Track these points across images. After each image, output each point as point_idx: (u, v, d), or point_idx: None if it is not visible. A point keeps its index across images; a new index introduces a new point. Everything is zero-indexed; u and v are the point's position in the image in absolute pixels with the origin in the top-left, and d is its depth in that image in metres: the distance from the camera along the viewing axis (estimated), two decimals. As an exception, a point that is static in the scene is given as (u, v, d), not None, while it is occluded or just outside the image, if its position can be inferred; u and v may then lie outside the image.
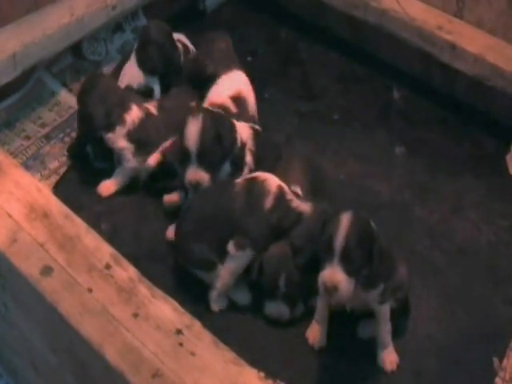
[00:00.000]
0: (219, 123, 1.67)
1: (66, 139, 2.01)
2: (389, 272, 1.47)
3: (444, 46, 2.14)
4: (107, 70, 2.20)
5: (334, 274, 1.34)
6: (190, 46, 2.20)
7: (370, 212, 1.87)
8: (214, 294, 1.63)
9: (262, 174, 1.67)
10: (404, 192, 1.99)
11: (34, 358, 1.54)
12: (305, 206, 1.62)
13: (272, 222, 1.59)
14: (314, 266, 1.54)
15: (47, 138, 2.02)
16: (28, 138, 1.99)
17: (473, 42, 2.12)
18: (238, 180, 1.66)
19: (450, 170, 2.07)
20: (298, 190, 1.70)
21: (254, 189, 1.62)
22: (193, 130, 1.63)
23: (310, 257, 1.56)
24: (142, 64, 2.02)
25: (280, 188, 1.62)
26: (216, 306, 1.64)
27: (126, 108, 1.82)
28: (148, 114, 1.85)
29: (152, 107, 1.88)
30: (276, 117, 2.16)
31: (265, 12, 2.61)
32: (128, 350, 1.21)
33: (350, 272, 1.34)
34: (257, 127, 1.87)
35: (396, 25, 2.22)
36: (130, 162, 1.85)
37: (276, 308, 1.61)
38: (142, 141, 1.83)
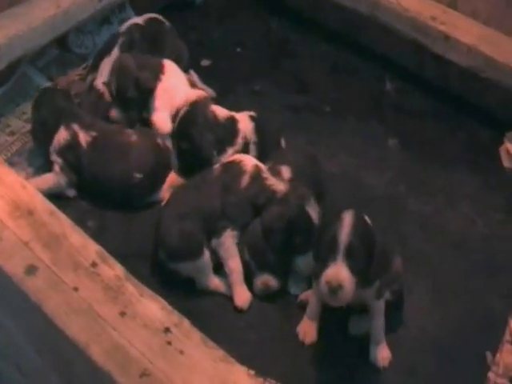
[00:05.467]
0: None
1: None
2: (385, 268, 1.45)
3: (437, 37, 2.11)
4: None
5: (339, 272, 1.31)
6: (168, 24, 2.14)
7: (364, 205, 1.88)
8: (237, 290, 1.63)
9: (238, 156, 1.73)
10: (397, 184, 1.98)
11: (18, 358, 1.51)
12: (280, 186, 1.66)
13: (249, 199, 1.64)
14: (288, 246, 1.61)
15: (33, 133, 1.98)
16: (13, 133, 1.95)
17: (467, 33, 2.09)
18: (216, 166, 1.72)
19: (444, 162, 2.05)
20: (286, 171, 1.70)
21: (231, 171, 1.68)
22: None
23: (284, 237, 1.60)
24: None
25: (256, 167, 1.68)
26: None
27: (56, 128, 1.81)
28: (74, 138, 1.80)
29: (83, 136, 1.80)
30: (267, 110, 2.12)
31: (255, 2, 2.57)
32: (115, 350, 1.20)
33: (353, 270, 1.32)
34: (253, 114, 1.90)
35: (389, 15, 2.20)
36: (57, 175, 1.81)
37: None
38: (68, 160, 1.80)
